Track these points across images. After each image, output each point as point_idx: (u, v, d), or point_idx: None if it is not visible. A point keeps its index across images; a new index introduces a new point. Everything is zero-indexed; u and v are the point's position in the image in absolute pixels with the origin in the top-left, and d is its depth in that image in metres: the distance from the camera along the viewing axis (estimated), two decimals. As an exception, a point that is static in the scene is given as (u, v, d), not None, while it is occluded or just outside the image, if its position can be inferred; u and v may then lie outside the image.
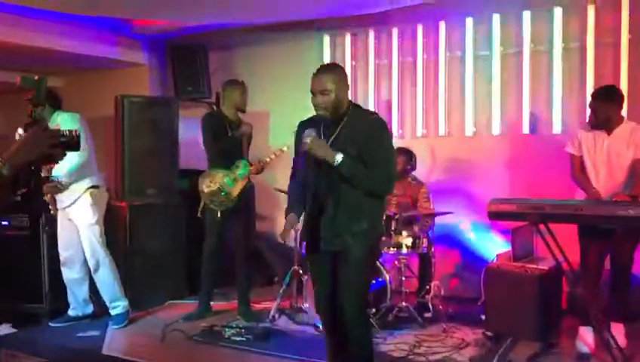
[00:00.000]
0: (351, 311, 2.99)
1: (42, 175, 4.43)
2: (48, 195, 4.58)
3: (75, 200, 4.54)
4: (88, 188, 4.58)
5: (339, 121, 2.97)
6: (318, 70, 3.02)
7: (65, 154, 1.96)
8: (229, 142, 4.68)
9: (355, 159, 2.91)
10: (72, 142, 1.92)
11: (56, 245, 4.80)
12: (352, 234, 2.95)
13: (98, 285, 4.71)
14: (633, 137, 3.86)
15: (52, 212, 4.67)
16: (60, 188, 4.50)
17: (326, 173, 2.95)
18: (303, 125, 3.11)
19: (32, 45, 5.70)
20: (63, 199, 4.56)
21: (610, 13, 4.90)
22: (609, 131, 3.92)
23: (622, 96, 4.00)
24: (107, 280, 4.68)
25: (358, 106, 3.12)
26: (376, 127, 3.00)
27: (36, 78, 2.18)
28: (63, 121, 4.42)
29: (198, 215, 4.81)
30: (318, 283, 3.18)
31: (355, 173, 2.90)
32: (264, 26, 6.10)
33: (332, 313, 3.10)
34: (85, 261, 4.72)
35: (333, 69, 3.05)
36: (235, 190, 4.64)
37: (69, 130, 1.95)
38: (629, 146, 3.87)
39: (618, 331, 3.85)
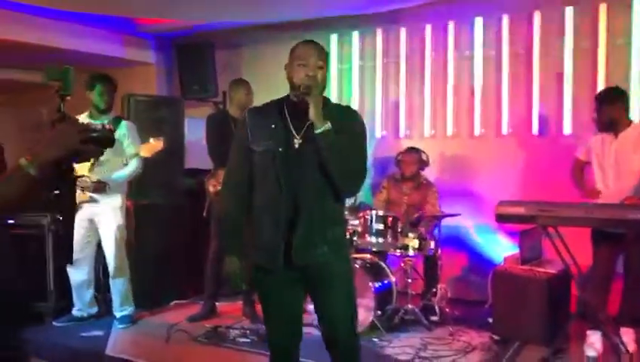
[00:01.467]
0: (347, 339, 2.59)
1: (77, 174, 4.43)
2: (86, 194, 4.51)
3: (110, 203, 4.55)
4: (123, 193, 4.65)
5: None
6: (311, 42, 2.54)
7: (102, 152, 1.80)
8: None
9: (342, 137, 2.41)
10: (105, 139, 1.71)
11: (61, 244, 4.80)
12: (327, 243, 2.49)
13: (113, 289, 4.69)
14: None
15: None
16: (107, 190, 4.51)
17: (297, 166, 2.45)
18: (258, 114, 2.57)
19: (39, 44, 5.69)
20: (97, 200, 4.54)
21: (622, 13, 4.82)
22: (616, 134, 3.89)
23: (625, 98, 3.98)
24: (123, 285, 4.69)
25: (328, 99, 2.61)
26: (358, 120, 2.58)
27: (62, 67, 1.95)
28: (122, 126, 4.56)
29: (204, 214, 4.78)
30: (279, 309, 2.59)
31: (339, 147, 2.39)
32: (272, 25, 6.06)
33: (292, 346, 2.64)
34: (93, 263, 4.73)
35: (321, 45, 2.56)
36: None
37: (102, 125, 1.75)
38: (636, 149, 3.85)
39: (628, 336, 3.79)
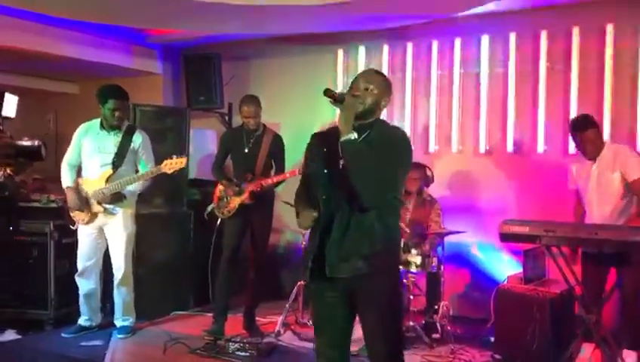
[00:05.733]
0: (386, 358, 2.61)
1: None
2: (101, 206, 4.54)
3: (122, 211, 4.58)
4: (134, 202, 4.69)
5: (361, 132, 2.57)
6: (369, 69, 2.82)
7: (30, 164, 2.02)
8: (241, 157, 4.65)
9: (368, 149, 2.53)
10: (34, 154, 1.98)
11: (64, 252, 4.86)
12: (363, 259, 2.56)
13: (118, 298, 4.68)
14: (618, 160, 3.92)
15: (77, 224, 4.63)
16: (124, 200, 4.56)
17: (340, 185, 2.56)
18: (319, 137, 2.77)
19: (48, 52, 5.74)
20: (112, 211, 4.56)
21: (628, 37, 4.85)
22: (594, 158, 3.99)
23: (595, 121, 4.08)
24: (128, 294, 4.69)
25: (384, 121, 2.78)
26: (399, 134, 2.70)
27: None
28: (136, 137, 4.61)
29: (205, 215, 4.84)
30: (323, 320, 2.68)
31: (362, 156, 2.49)
32: (279, 38, 6.09)
33: (339, 358, 2.67)
34: (101, 271, 4.73)
35: (384, 75, 2.76)
36: (234, 201, 4.58)
37: (32, 141, 1.98)
38: (614, 170, 3.93)
39: (630, 359, 3.76)
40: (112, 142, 4.56)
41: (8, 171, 2.25)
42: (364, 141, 2.54)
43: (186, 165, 4.50)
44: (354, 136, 2.48)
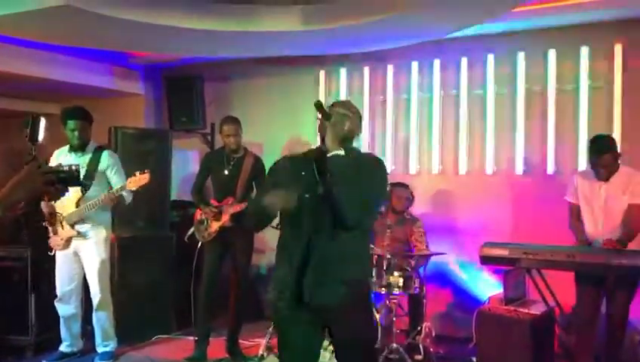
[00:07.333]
0: None
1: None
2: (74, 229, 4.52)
3: (94, 237, 4.54)
4: (108, 227, 4.64)
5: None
6: (346, 100, 2.96)
7: (67, 190, 1.94)
8: (222, 179, 4.66)
9: (352, 167, 2.63)
10: (72, 179, 1.92)
11: (44, 277, 4.78)
12: (346, 284, 2.56)
13: (97, 323, 4.64)
14: (632, 184, 3.88)
15: (54, 250, 4.61)
16: (95, 220, 4.52)
17: (318, 210, 2.56)
18: (292, 161, 2.76)
19: (30, 75, 5.71)
20: (85, 235, 4.53)
21: (603, 59, 4.95)
22: (607, 177, 3.93)
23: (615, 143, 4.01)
24: (106, 318, 4.65)
25: (358, 150, 2.85)
26: (378, 163, 2.79)
27: (31, 117, 2.16)
28: (104, 158, 4.57)
29: (185, 239, 4.81)
30: (293, 349, 2.63)
31: (344, 175, 2.55)
32: (261, 59, 6.12)
33: None
34: (81, 296, 4.69)
35: (357, 109, 2.83)
36: (214, 225, 4.58)
37: (69, 166, 1.94)
38: (625, 192, 3.90)
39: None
40: (79, 164, 4.52)
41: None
42: (347, 161, 2.62)
43: (149, 181, 4.43)
44: (342, 152, 2.60)
